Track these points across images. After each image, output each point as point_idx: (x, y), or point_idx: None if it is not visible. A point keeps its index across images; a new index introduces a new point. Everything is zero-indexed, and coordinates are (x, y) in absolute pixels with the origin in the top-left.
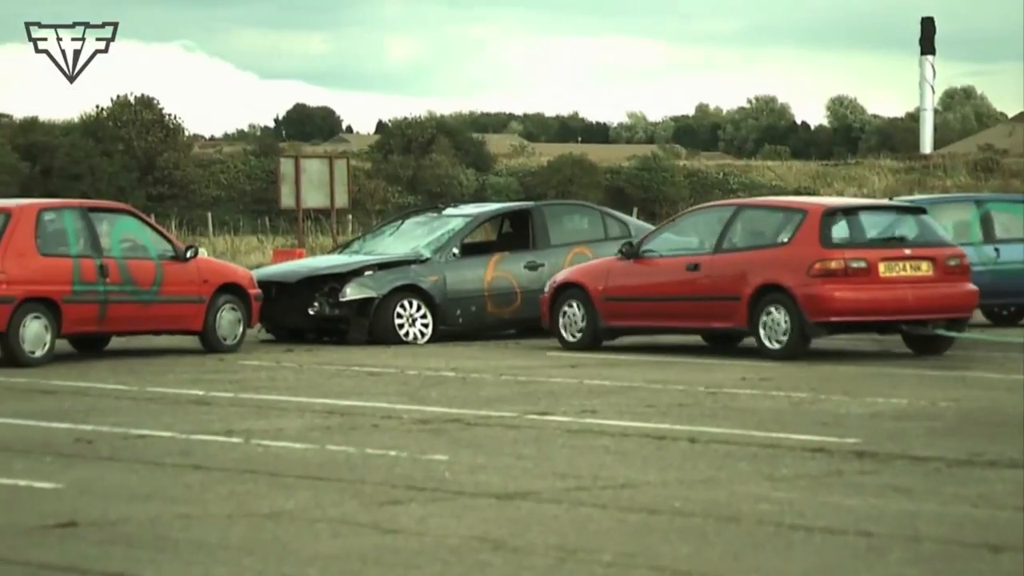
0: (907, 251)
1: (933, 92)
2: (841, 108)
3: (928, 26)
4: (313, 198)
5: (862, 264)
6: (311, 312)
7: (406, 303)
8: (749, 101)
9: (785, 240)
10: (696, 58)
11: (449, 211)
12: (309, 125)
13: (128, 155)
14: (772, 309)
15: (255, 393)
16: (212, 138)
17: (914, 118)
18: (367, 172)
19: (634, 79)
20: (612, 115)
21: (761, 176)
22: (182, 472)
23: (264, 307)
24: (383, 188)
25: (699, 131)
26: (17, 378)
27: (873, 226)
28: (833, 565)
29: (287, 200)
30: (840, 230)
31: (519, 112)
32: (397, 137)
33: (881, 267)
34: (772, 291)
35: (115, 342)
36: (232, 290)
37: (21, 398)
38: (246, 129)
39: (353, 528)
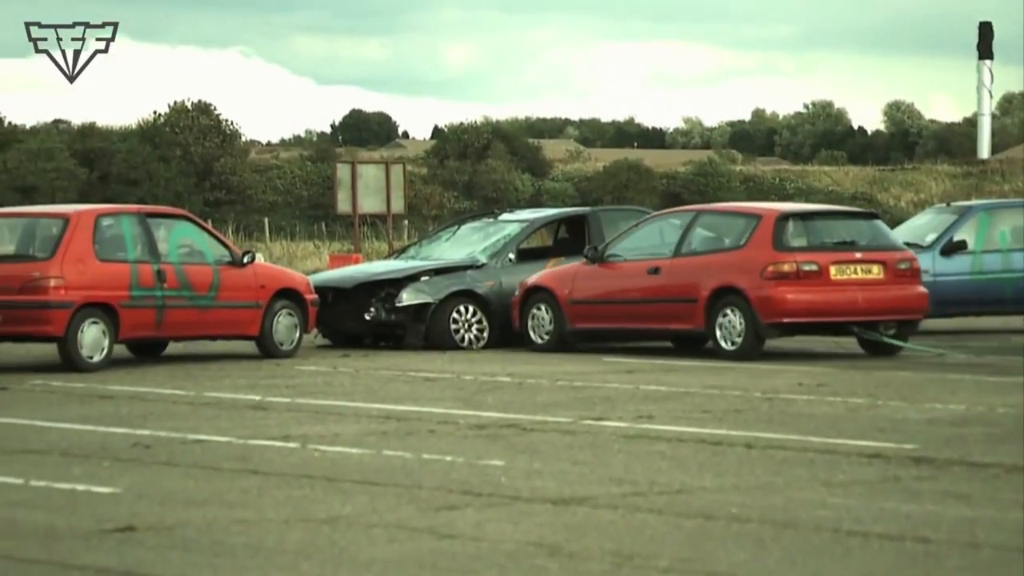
0: (858, 255)
1: (991, 97)
2: (898, 113)
3: (986, 30)
4: (369, 203)
5: (813, 267)
6: (367, 317)
7: (462, 308)
8: (806, 106)
9: (740, 244)
10: (752, 63)
11: (505, 216)
12: (365, 131)
13: (185, 160)
14: (728, 311)
15: (312, 398)
16: (269, 144)
17: (971, 123)
18: (423, 178)
19: (690, 84)
20: (668, 120)
21: (818, 181)
22: (239, 477)
23: (320, 312)
24: (439, 193)
25: (755, 136)
26: (75, 383)
27: (826, 231)
28: (890, 571)
29: (343, 206)
30: (793, 234)
31: (575, 117)
32: (453, 142)
33: (832, 270)
34: (727, 293)
35: (172, 347)
36: (289, 295)
37: (79, 403)
38: (303, 135)
39: (409, 533)
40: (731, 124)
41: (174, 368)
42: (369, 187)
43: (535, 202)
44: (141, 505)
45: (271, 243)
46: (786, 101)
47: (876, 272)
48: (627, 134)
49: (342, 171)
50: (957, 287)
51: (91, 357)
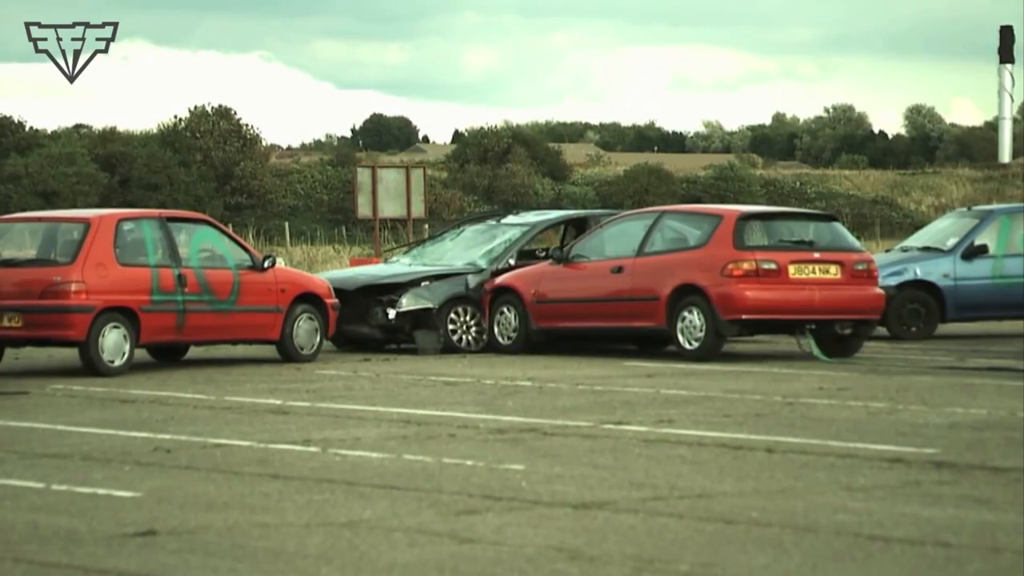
0: (816, 255)
1: (1012, 101)
2: (919, 117)
3: (1007, 35)
4: (390, 208)
5: (772, 266)
6: (370, 321)
7: (460, 310)
8: (826, 110)
9: (702, 243)
10: (773, 67)
11: (509, 219)
12: (386, 135)
13: (206, 165)
14: (688, 312)
15: (332, 402)
16: (289, 148)
17: (992, 127)
18: (443, 182)
19: (710, 88)
20: (688, 124)
21: (838, 185)
22: (260, 481)
23: None
24: (459, 198)
25: (776, 140)
26: (96, 387)
27: (785, 231)
28: None
29: (364, 210)
30: (753, 234)
31: (595, 121)
32: (473, 147)
33: (791, 269)
34: (688, 292)
35: (193, 351)
36: (309, 300)
37: (100, 407)
38: (323, 139)
39: (430, 537)
40: (751, 128)
41: (195, 372)
42: (389, 191)
43: (555, 206)
44: (162, 509)
45: (291, 247)
46: (807, 105)
47: (834, 272)
48: (647, 138)
49: (362, 175)
50: (978, 291)
51: (112, 361)
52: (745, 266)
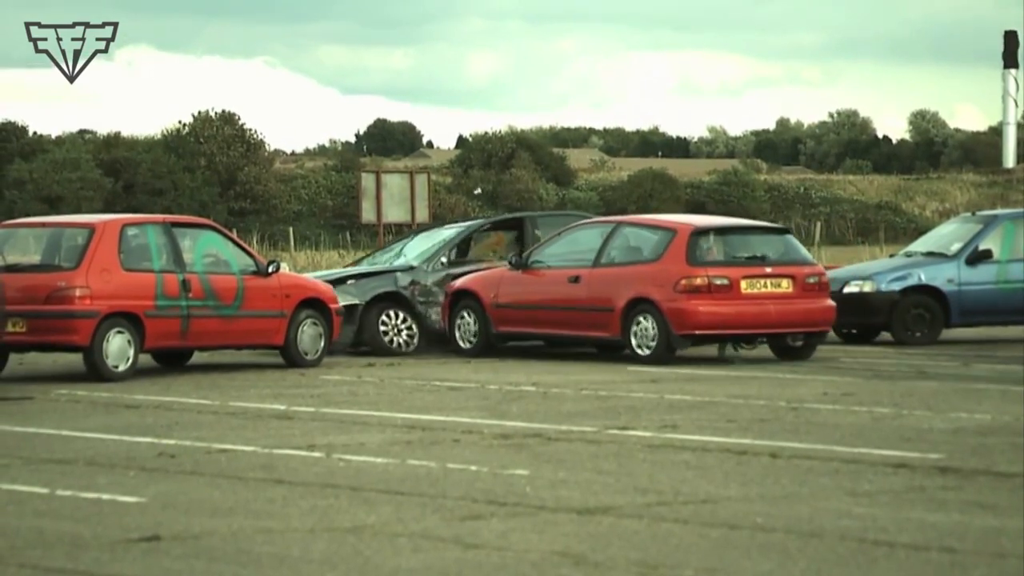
0: (768, 269)
1: (1016, 106)
2: (923, 122)
3: (1011, 40)
4: (394, 213)
5: (725, 281)
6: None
7: (391, 312)
8: (830, 115)
9: (656, 257)
10: (777, 72)
11: (450, 224)
12: (390, 140)
13: (210, 170)
14: (641, 319)
15: (336, 408)
16: (293, 153)
17: (997, 132)
18: (447, 187)
19: (715, 93)
20: (693, 129)
21: (842, 190)
22: (264, 486)
23: None
24: (463, 203)
25: (780, 145)
26: (100, 392)
27: (739, 245)
28: None
29: (368, 215)
30: (706, 249)
31: (599, 126)
32: (477, 152)
33: (743, 284)
34: (642, 304)
35: (197, 357)
36: (313, 305)
37: (105, 413)
38: (327, 144)
39: (434, 543)
40: (756, 133)
41: (199, 378)
42: (394, 197)
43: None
44: (166, 514)
45: (296, 252)
46: (811, 110)
47: (785, 286)
48: (652, 143)
49: (366, 181)
50: (982, 296)
51: (116, 367)
52: (697, 282)
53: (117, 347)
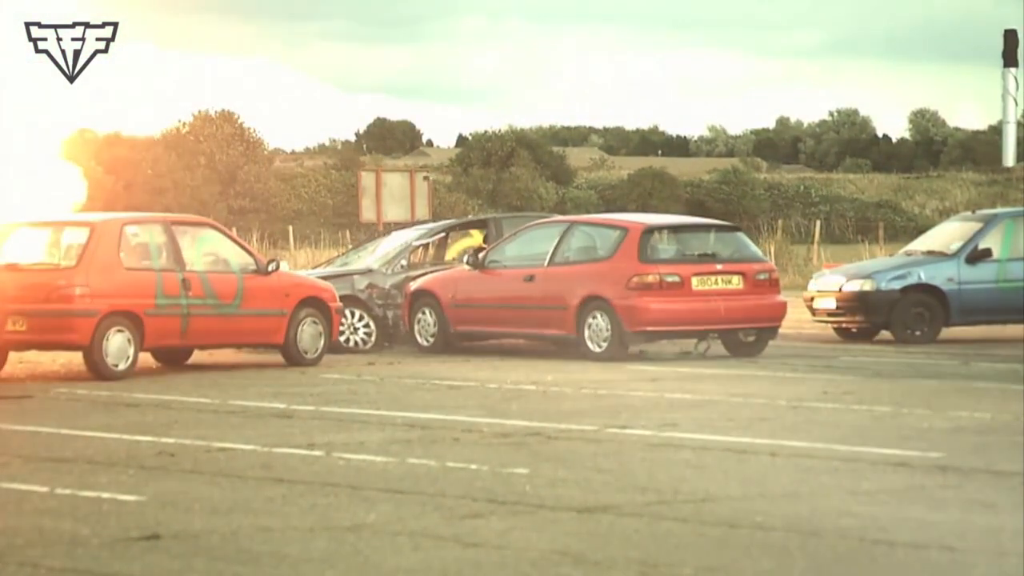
0: (718, 266)
1: (1016, 104)
2: (923, 121)
3: (1011, 39)
4: (394, 212)
5: (676, 278)
6: None
7: (348, 312)
8: (830, 114)
9: (608, 255)
10: (777, 71)
11: (417, 226)
12: (390, 139)
13: (210, 169)
14: (594, 317)
15: (336, 406)
16: (293, 152)
17: (996, 131)
18: (447, 186)
19: (714, 92)
20: (692, 128)
21: (842, 189)
22: (264, 485)
23: None
24: (463, 202)
25: (780, 144)
26: (100, 391)
27: (689, 243)
28: None
29: (368, 214)
30: (658, 247)
31: (599, 125)
32: (477, 151)
33: (694, 281)
34: (595, 302)
35: (197, 355)
36: (313, 303)
37: (104, 411)
38: (327, 143)
39: (434, 541)
40: (755, 132)
41: (199, 376)
42: (394, 195)
43: (559, 210)
44: (166, 513)
45: (296, 251)
46: (810, 109)
47: (736, 283)
48: (651, 142)
49: (366, 179)
50: (982, 295)
51: (116, 365)
52: (649, 279)
53: (117, 346)
